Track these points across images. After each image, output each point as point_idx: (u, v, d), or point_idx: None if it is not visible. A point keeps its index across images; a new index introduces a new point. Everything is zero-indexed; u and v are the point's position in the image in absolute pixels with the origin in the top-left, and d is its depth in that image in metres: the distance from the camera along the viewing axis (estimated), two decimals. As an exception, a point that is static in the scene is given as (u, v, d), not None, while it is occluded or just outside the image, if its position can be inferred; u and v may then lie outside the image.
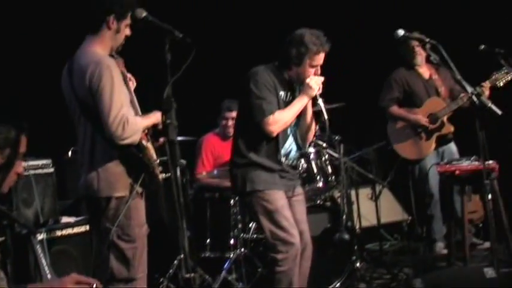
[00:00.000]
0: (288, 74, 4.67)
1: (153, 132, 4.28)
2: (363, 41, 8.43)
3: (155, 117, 4.19)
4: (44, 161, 5.68)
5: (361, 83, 8.27)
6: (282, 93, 4.65)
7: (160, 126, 4.10)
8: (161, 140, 4.15)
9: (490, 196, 4.90)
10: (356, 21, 8.51)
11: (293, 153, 4.77)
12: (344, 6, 8.55)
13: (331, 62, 4.86)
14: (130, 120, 4.06)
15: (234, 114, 6.19)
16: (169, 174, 3.48)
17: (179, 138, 6.02)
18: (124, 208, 4.12)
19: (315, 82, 4.61)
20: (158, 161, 4.20)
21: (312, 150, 5.66)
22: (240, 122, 4.76)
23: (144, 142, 4.18)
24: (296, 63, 4.59)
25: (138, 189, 4.18)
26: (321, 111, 4.72)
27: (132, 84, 4.36)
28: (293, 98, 4.72)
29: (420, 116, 6.90)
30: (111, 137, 4.05)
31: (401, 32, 4.92)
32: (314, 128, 4.89)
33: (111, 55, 4.22)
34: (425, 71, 7.18)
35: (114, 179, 4.15)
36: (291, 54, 4.58)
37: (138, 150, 4.15)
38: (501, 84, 6.53)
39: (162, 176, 4.24)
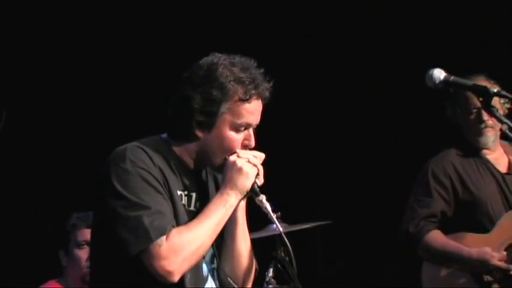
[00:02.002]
0: (190, 152, 3.35)
1: None
2: (357, 109, 6.75)
3: None
4: None
5: (360, 184, 6.66)
6: (179, 193, 3.33)
7: None
8: None
9: None
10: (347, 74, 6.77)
11: None
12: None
13: (302, 153, 5.29)
14: None
15: None
16: None
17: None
18: None
19: (248, 161, 3.29)
20: None
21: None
22: (99, 259, 3.34)
23: None
24: (204, 123, 3.27)
25: None
26: (280, 235, 3.39)
27: None
28: (204, 201, 3.38)
29: (488, 250, 4.81)
30: None
31: (439, 73, 3.32)
32: (254, 262, 3.54)
33: None
34: (499, 157, 5.04)
35: None
36: (191, 106, 3.26)
37: None
38: None
39: None
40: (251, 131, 3.35)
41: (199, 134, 3.30)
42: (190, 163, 3.37)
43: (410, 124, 6.28)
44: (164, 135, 3.39)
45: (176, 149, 3.36)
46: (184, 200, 3.39)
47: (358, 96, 6.91)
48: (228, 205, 3.32)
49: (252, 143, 3.36)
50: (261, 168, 3.33)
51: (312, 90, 7.04)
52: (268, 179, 3.35)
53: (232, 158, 3.32)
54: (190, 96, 3.30)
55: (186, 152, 3.36)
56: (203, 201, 3.42)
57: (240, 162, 3.32)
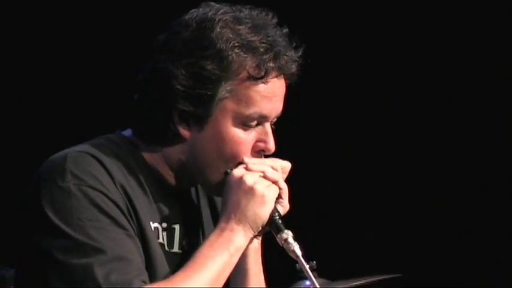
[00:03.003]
0: (171, 161, 2.73)
1: None
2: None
3: None
4: None
5: (439, 216, 5.30)
6: (155, 226, 2.72)
7: None
8: None
9: None
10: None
11: None
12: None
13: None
14: None
15: None
16: None
17: None
18: None
19: (263, 176, 2.63)
20: None
21: None
22: None
23: None
24: (192, 115, 2.64)
25: None
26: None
27: None
28: (194, 238, 2.79)
29: None
30: None
31: None
32: None
33: None
34: None
35: None
36: (171, 87, 2.63)
37: None
38: None
39: None
40: (268, 127, 2.58)
41: (184, 132, 2.59)
42: (171, 178, 2.65)
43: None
44: (128, 134, 2.67)
45: (148, 156, 2.63)
46: (163, 237, 2.68)
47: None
48: (233, 248, 2.58)
49: (271, 146, 2.60)
50: (285, 187, 2.54)
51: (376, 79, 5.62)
52: (296, 204, 2.50)
53: (238, 171, 2.58)
54: (169, 71, 2.57)
55: (163, 161, 2.64)
56: (192, 238, 2.73)
57: (250, 179, 2.56)
